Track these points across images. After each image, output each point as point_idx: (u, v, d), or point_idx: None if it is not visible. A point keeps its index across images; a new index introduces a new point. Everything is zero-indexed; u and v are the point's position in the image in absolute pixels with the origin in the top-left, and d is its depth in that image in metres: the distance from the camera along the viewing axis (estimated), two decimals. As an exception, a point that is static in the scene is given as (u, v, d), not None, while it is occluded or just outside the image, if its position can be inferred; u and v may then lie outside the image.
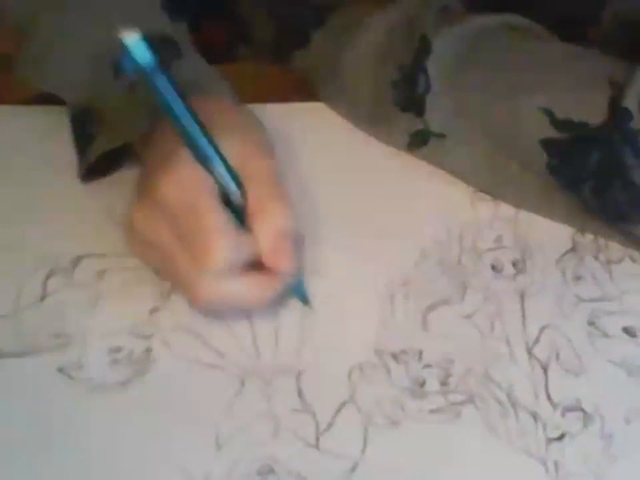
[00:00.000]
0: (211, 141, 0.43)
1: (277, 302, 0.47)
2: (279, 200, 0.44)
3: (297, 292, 0.48)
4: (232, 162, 0.44)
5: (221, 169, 0.43)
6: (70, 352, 0.46)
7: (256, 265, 0.44)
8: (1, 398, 0.45)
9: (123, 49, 0.40)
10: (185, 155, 0.43)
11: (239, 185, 0.44)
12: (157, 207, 0.43)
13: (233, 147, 0.44)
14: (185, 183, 0.43)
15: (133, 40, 0.40)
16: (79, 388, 0.45)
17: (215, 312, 0.47)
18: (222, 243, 0.42)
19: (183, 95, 0.42)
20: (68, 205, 0.52)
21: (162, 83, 0.41)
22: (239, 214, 0.44)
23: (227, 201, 0.44)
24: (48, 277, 0.49)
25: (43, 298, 0.48)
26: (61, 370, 0.46)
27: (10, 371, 0.46)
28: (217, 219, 0.43)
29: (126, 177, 0.53)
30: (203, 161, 0.43)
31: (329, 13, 0.56)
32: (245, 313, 0.47)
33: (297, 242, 0.46)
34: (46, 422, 0.44)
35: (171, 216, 0.43)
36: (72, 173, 0.53)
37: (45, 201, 0.53)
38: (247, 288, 0.44)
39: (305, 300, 0.48)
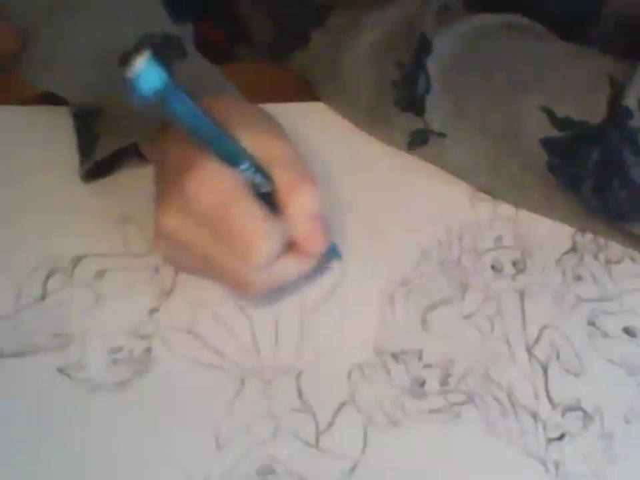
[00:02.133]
0: (232, 142, 0.43)
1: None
2: (306, 181, 0.45)
3: (328, 252, 0.48)
4: (254, 152, 0.44)
5: (245, 165, 0.43)
6: (70, 352, 0.46)
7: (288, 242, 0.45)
8: (0, 398, 0.45)
9: (130, 80, 0.39)
10: (207, 155, 0.43)
11: (264, 173, 0.44)
12: (187, 208, 0.43)
13: (253, 139, 0.44)
14: (213, 181, 0.43)
15: (140, 67, 0.39)
16: (79, 388, 0.45)
17: (263, 297, 0.47)
18: (263, 236, 0.43)
19: (195, 108, 0.42)
20: (68, 205, 0.52)
21: (176, 102, 0.41)
22: (266, 200, 0.44)
23: (254, 191, 0.44)
24: (48, 276, 0.49)
25: (43, 298, 0.48)
26: (61, 370, 0.46)
27: (10, 371, 0.46)
28: (254, 215, 0.43)
29: (126, 176, 0.53)
30: (227, 161, 0.43)
31: (329, 13, 0.56)
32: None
33: (324, 218, 0.46)
34: (46, 422, 0.44)
35: (203, 215, 0.43)
36: (72, 173, 0.53)
37: (45, 201, 0.53)
38: (290, 267, 0.45)
39: (336, 255, 0.49)
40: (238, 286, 0.45)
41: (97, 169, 0.52)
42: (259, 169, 0.44)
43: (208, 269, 0.46)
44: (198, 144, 0.43)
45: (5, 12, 0.55)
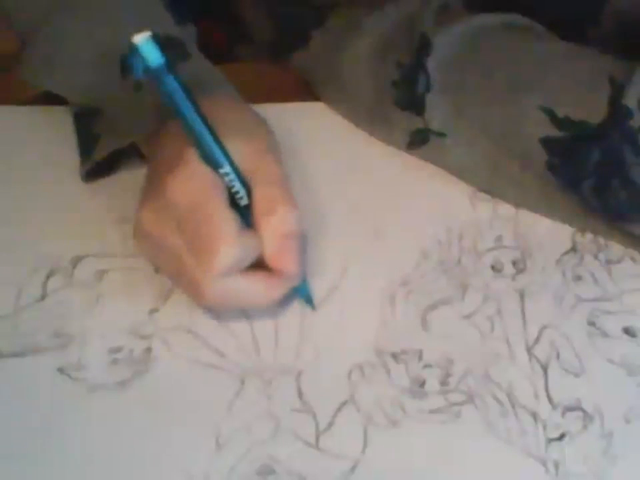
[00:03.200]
0: (218, 142, 0.43)
1: (281, 302, 0.47)
2: (286, 201, 0.44)
3: (301, 292, 0.48)
4: (239, 162, 0.44)
5: (227, 169, 0.44)
6: (70, 352, 0.46)
7: (262, 263, 0.45)
8: (0, 398, 0.45)
9: (132, 49, 0.40)
10: (193, 156, 0.43)
11: (245, 185, 0.44)
12: (164, 207, 0.43)
13: (240, 148, 0.44)
14: (193, 183, 0.43)
15: (142, 41, 0.40)
16: (79, 388, 0.45)
17: (221, 312, 0.47)
18: (227, 245, 0.42)
19: (191, 96, 0.42)
20: (68, 205, 0.52)
21: (170, 83, 0.41)
22: (245, 214, 0.44)
23: (233, 200, 0.44)
24: (48, 277, 0.49)
25: (43, 298, 0.48)
26: (61, 370, 0.46)
27: (10, 371, 0.46)
28: (223, 220, 0.43)
29: (126, 176, 0.53)
30: (210, 161, 0.43)
31: (329, 13, 0.56)
32: (245, 312, 0.48)
33: (301, 244, 0.46)
34: (46, 422, 0.44)
35: (178, 216, 0.43)
36: (72, 173, 0.53)
37: (45, 201, 0.53)
38: (252, 287, 0.45)
39: (308, 301, 0.48)
40: (191, 289, 0.44)
41: (97, 168, 0.52)
42: (240, 178, 0.44)
43: (173, 271, 0.45)
44: (184, 132, 0.43)
45: (5, 12, 0.55)
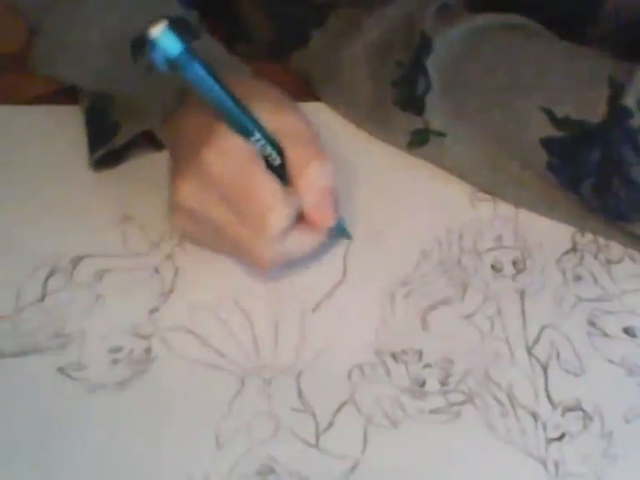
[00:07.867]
0: (246, 112, 0.43)
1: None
2: (318, 156, 0.45)
3: (337, 230, 0.49)
4: (268, 125, 0.44)
5: (258, 136, 0.44)
6: (70, 352, 0.46)
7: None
8: (0, 398, 0.45)
9: (151, 45, 0.39)
10: (224, 128, 0.43)
11: (276, 145, 0.45)
12: (204, 179, 0.44)
13: (268, 112, 0.45)
14: (230, 152, 0.43)
15: (159, 33, 0.39)
16: (79, 388, 0.45)
17: (273, 270, 0.47)
18: (278, 207, 0.43)
19: (213, 72, 0.42)
20: (68, 205, 0.52)
21: (194, 67, 0.41)
22: (279, 173, 0.45)
23: (267, 163, 0.44)
24: (48, 277, 0.49)
25: (42, 298, 0.48)
26: (61, 370, 0.46)
27: (10, 370, 0.46)
28: (268, 186, 0.43)
29: (126, 177, 0.53)
30: (241, 131, 0.43)
31: (329, 13, 0.56)
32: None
33: (335, 192, 0.46)
34: (46, 422, 0.44)
35: (220, 186, 0.43)
36: (72, 173, 0.53)
37: (45, 201, 0.53)
38: (301, 240, 0.46)
39: (343, 233, 0.50)
40: (250, 257, 0.45)
41: (104, 159, 0.52)
42: (270, 141, 0.44)
43: (221, 240, 0.46)
44: (213, 111, 0.43)
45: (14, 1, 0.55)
